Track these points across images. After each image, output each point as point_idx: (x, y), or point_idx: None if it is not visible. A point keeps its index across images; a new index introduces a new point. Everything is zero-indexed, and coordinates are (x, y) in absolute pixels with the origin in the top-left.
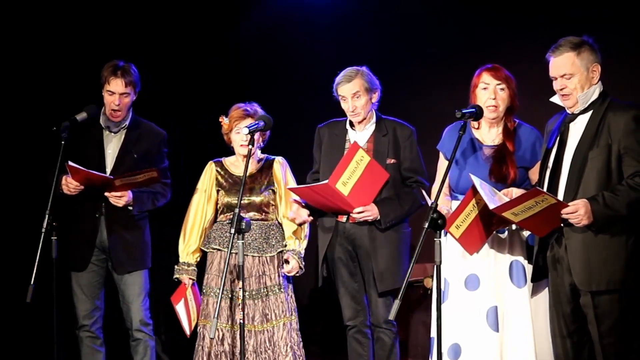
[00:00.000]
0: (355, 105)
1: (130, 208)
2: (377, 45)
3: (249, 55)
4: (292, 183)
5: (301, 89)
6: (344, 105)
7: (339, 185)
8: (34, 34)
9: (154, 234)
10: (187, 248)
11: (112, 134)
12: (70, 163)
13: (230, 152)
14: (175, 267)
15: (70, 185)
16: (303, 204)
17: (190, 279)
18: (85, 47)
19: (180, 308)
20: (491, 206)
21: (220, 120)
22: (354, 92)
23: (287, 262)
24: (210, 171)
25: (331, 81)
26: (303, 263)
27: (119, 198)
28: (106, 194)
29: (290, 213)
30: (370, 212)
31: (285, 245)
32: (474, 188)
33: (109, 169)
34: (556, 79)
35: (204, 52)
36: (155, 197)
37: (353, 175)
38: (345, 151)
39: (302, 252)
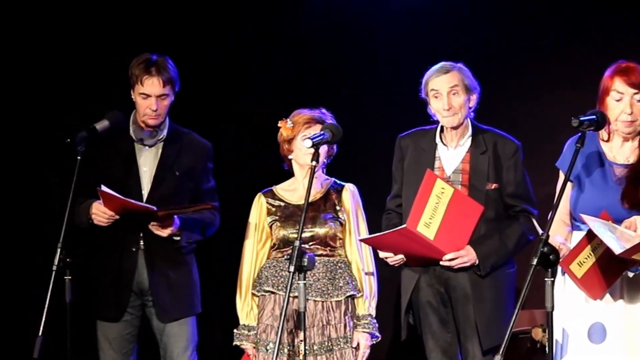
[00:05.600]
0: (451, 104)
1: (177, 238)
2: (469, 39)
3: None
4: (364, 226)
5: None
6: (435, 104)
7: (421, 228)
8: (32, 32)
9: None
10: (246, 307)
11: (147, 147)
12: (103, 188)
13: (276, 176)
14: (235, 331)
15: (103, 215)
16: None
17: (254, 347)
18: (84, 47)
19: None
20: (617, 251)
21: (280, 124)
22: (451, 85)
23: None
24: (259, 206)
25: (395, 81)
26: (377, 326)
27: (163, 227)
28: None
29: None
30: (466, 257)
31: (357, 289)
32: (589, 233)
33: (145, 191)
34: None
35: (204, 52)
36: (204, 225)
37: (436, 213)
38: (435, 173)
39: (374, 312)
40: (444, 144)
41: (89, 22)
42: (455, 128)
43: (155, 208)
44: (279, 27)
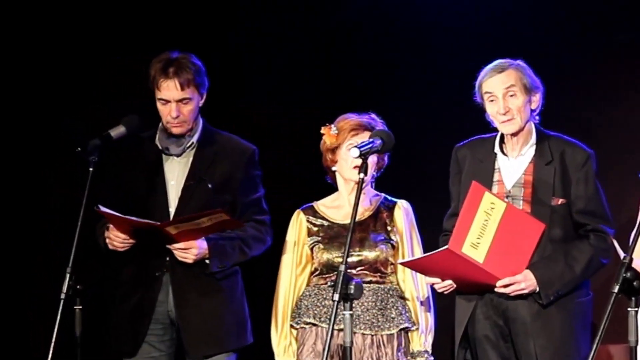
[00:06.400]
0: (508, 107)
1: (207, 262)
2: (536, 32)
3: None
4: (419, 249)
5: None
6: (490, 108)
7: (467, 249)
8: (33, 32)
9: None
10: (284, 341)
11: (175, 158)
12: (101, 208)
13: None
14: None
15: (116, 239)
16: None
17: None
18: (84, 47)
19: None
20: None
21: (323, 131)
22: (507, 85)
23: None
24: (298, 224)
25: (453, 81)
26: None
27: (185, 251)
28: (169, 246)
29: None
30: (523, 283)
31: (412, 321)
32: None
33: (172, 208)
34: None
35: (204, 52)
36: (245, 244)
37: (485, 232)
38: (494, 187)
39: (430, 348)
40: (504, 154)
41: (89, 22)
42: (515, 135)
43: (158, 223)
44: (279, 27)
